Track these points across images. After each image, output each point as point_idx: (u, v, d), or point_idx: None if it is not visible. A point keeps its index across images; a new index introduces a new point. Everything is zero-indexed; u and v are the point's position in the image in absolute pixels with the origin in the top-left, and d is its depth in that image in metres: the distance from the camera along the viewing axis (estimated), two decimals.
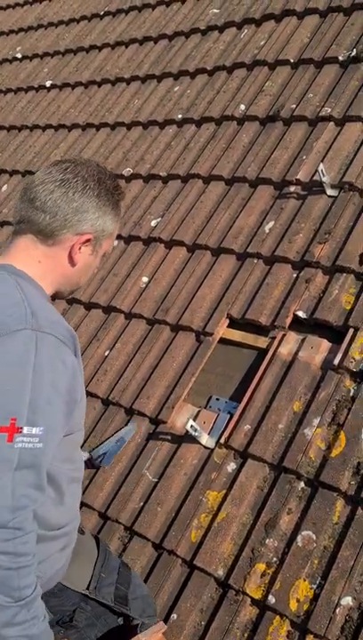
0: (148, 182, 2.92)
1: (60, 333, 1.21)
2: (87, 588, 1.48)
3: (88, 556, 1.56)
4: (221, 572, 1.68)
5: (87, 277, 1.43)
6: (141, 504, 1.92)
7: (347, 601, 1.48)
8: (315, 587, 1.54)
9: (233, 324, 2.18)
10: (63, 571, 1.43)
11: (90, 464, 2.06)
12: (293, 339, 1.99)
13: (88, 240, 1.33)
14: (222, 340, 2.16)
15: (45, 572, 1.35)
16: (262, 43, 2.97)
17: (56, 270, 1.33)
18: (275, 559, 1.63)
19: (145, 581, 1.74)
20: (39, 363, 1.14)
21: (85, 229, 1.32)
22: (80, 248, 1.33)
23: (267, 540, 1.65)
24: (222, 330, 2.18)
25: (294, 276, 2.14)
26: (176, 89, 3.21)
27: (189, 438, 1.93)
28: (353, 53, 2.56)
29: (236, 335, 2.13)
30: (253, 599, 1.60)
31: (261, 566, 1.63)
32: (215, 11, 3.38)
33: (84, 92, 3.76)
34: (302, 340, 1.96)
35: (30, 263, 1.30)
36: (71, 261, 1.34)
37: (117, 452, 2.07)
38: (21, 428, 1.10)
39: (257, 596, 1.60)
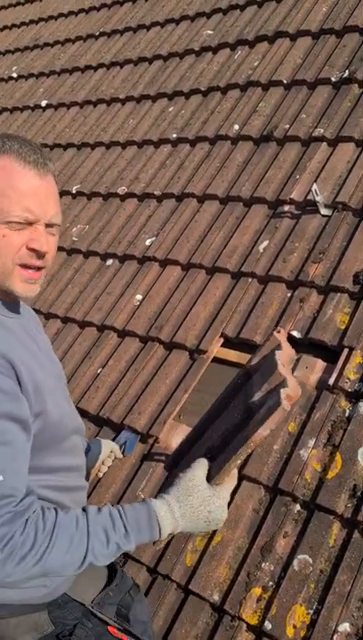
0: (142, 201, 2.93)
1: None
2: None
3: (97, 572, 1.53)
4: (216, 597, 1.65)
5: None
6: None
7: (344, 627, 1.45)
8: (312, 612, 1.51)
9: (227, 343, 2.17)
10: (70, 580, 1.41)
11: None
12: None
13: None
14: (218, 360, 2.15)
15: (53, 580, 1.33)
16: (256, 64, 3.00)
17: None
18: (271, 583, 1.60)
19: None
20: None
21: None
22: None
23: (263, 564, 1.63)
24: (216, 348, 2.17)
25: (289, 295, 2.14)
26: (171, 109, 3.23)
27: None
28: (346, 74, 2.59)
29: (231, 355, 2.12)
30: (249, 625, 1.58)
31: (257, 591, 1.61)
32: (209, 32, 3.43)
33: (80, 112, 3.79)
34: (297, 360, 1.96)
35: None
36: None
37: (136, 442, 2.07)
38: None
39: (253, 621, 1.57)
